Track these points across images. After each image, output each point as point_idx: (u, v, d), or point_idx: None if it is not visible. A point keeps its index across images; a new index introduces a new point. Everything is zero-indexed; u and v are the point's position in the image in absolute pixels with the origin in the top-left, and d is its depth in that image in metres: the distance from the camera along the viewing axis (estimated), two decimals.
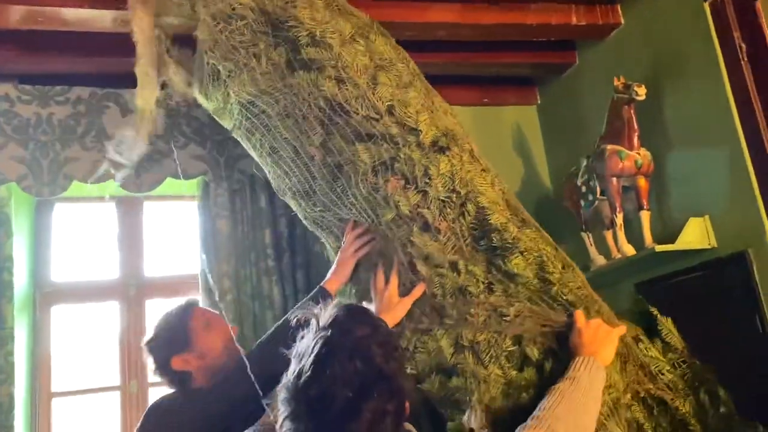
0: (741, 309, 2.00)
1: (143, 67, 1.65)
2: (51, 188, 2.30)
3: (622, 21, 2.51)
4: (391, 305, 1.45)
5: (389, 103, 1.50)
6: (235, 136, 1.82)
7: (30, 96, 2.36)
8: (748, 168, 1.98)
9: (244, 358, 1.51)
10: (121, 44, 1.82)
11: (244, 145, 1.82)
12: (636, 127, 2.25)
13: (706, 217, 2.14)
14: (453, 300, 1.41)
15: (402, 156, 1.47)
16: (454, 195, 1.48)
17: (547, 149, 3.08)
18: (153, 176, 2.38)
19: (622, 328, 1.41)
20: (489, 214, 1.47)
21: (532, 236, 1.52)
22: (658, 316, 1.70)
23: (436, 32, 2.36)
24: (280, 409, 0.99)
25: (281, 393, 0.99)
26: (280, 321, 1.67)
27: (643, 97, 2.18)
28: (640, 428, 1.32)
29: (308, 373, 0.94)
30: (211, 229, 2.43)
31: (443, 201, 1.47)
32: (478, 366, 1.34)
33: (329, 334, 0.98)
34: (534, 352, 1.35)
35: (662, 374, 1.51)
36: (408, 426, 1.03)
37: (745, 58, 1.99)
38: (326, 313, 1.02)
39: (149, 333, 1.69)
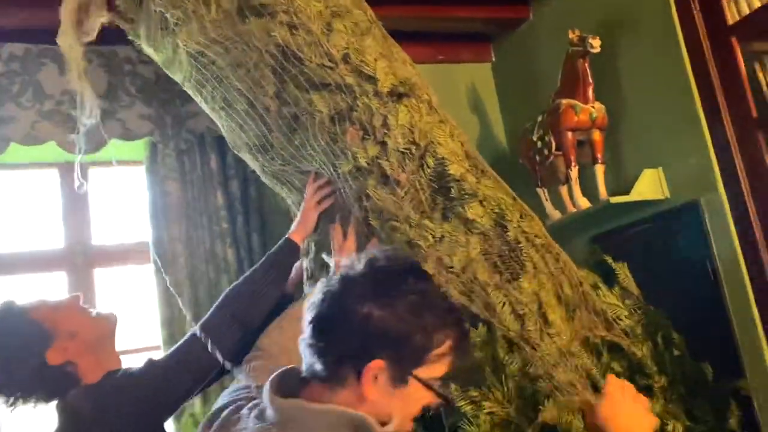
0: (693, 257, 2.04)
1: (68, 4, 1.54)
2: None
3: None
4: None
5: (344, 51, 1.45)
6: (186, 90, 1.74)
7: None
8: (700, 118, 2.00)
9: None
10: None
11: (196, 99, 1.74)
12: (590, 80, 2.25)
13: (660, 168, 2.17)
14: None
15: (360, 105, 1.42)
16: (414, 147, 1.44)
17: (502, 107, 3.07)
18: (96, 137, 2.27)
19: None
20: (448, 165, 1.44)
21: (491, 186, 1.50)
22: (614, 263, 1.71)
23: None
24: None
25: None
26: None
27: (598, 50, 2.17)
28: (589, 374, 1.33)
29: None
30: (160, 192, 2.34)
31: (402, 152, 1.43)
32: None
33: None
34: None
35: (620, 320, 1.53)
36: None
37: (698, 8, 1.99)
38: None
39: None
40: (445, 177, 1.44)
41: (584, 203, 2.31)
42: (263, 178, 1.70)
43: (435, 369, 0.93)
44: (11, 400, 1.33)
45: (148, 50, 1.67)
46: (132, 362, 1.53)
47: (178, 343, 1.53)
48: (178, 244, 2.30)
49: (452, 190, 1.43)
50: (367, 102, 1.41)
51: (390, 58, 1.57)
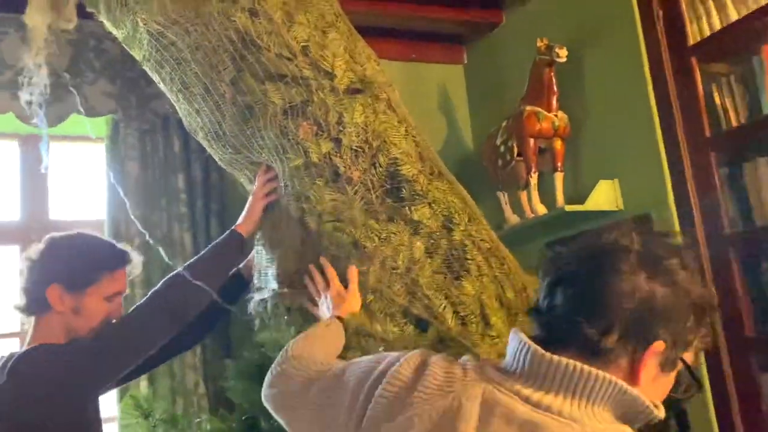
0: None
1: None
2: None
3: None
4: (344, 299, 1.35)
5: (304, 43, 1.44)
6: (146, 69, 1.72)
7: None
8: (657, 134, 2.04)
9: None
10: None
11: (155, 79, 1.73)
12: (555, 89, 2.28)
13: (616, 180, 2.21)
14: (346, 256, 1.39)
15: (316, 100, 1.42)
16: (367, 145, 1.44)
17: (471, 109, 3.10)
18: (57, 111, 2.23)
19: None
20: (400, 165, 1.45)
21: (443, 188, 1.51)
22: None
23: None
24: None
25: None
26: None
27: (564, 59, 2.20)
28: None
29: None
30: (119, 171, 2.32)
31: (356, 150, 1.43)
32: (373, 323, 1.33)
33: None
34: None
35: None
36: None
37: (662, 26, 2.04)
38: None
39: None
40: (396, 177, 1.45)
41: (541, 209, 2.35)
42: (220, 164, 1.69)
43: (691, 354, 0.86)
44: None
45: (109, 26, 1.65)
46: None
47: None
48: (134, 225, 2.28)
49: (403, 191, 1.44)
50: (323, 97, 1.41)
51: (354, 53, 1.57)
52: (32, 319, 1.45)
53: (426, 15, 2.68)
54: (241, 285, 1.67)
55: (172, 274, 1.53)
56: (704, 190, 1.92)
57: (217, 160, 1.70)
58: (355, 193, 1.40)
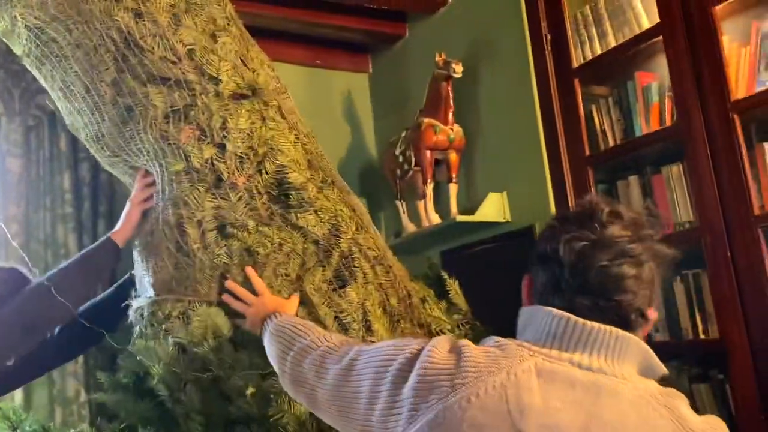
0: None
1: None
2: None
3: None
4: (281, 302, 1.34)
5: (190, 47, 1.41)
6: (26, 65, 1.65)
7: None
8: (542, 150, 2.15)
9: None
10: None
11: (36, 76, 1.65)
12: (452, 103, 2.36)
13: (504, 193, 2.31)
14: (239, 262, 1.38)
15: (199, 104, 1.40)
16: (252, 152, 1.44)
17: (375, 118, 3.14)
18: None
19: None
20: (288, 173, 1.45)
21: (332, 197, 1.53)
22: (447, 279, 1.80)
23: None
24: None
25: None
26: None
27: (459, 75, 2.28)
28: None
29: None
30: (0, 168, 2.19)
31: (240, 157, 1.42)
32: None
33: None
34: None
35: (442, 333, 1.61)
36: None
37: (549, 48, 2.15)
38: None
39: None
40: (284, 184, 1.45)
41: (435, 219, 2.42)
42: (105, 167, 1.64)
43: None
44: None
45: None
46: None
47: None
48: (15, 224, 2.16)
49: (291, 198, 1.45)
50: (207, 102, 1.39)
51: (246, 58, 1.57)
52: None
53: (331, 22, 2.69)
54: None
55: (34, 283, 1.46)
56: None
57: (100, 161, 1.65)
58: (239, 199, 1.39)
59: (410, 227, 2.61)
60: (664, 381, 0.95)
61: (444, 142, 2.37)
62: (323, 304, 1.36)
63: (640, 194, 1.95)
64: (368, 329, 1.42)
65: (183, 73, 1.39)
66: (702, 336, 1.78)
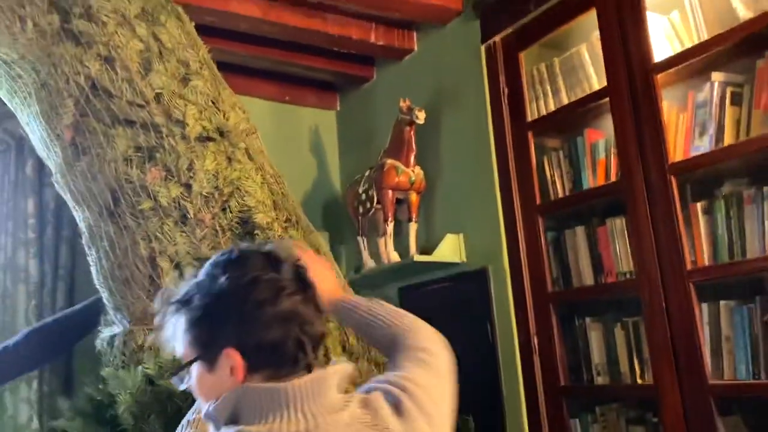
0: (478, 318, 2.28)
1: None
2: None
3: (416, 47, 2.72)
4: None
5: (159, 90, 1.48)
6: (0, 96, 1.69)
7: None
8: (497, 197, 2.26)
9: None
10: None
11: (8, 105, 1.70)
12: (414, 147, 2.46)
13: (461, 235, 2.41)
14: None
15: (166, 146, 1.46)
16: (217, 192, 1.51)
17: (341, 154, 3.23)
18: None
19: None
20: (254, 214, 1.52)
21: (296, 236, 1.60)
22: None
23: (238, 23, 2.37)
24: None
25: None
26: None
27: (422, 121, 2.39)
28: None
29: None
30: None
31: (206, 196, 1.49)
32: None
33: None
34: None
35: None
36: None
37: (506, 101, 2.27)
38: None
39: None
40: (248, 224, 1.52)
41: (395, 257, 2.51)
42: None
43: None
44: None
45: None
46: None
47: None
48: None
49: (256, 238, 1.52)
50: (173, 144, 1.46)
51: (217, 100, 1.64)
52: None
53: (301, 62, 2.78)
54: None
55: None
56: (532, 252, 2.14)
57: None
58: (204, 237, 1.45)
59: (370, 263, 2.68)
60: None
61: (405, 183, 2.47)
62: None
63: (586, 244, 2.06)
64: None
65: (150, 116, 1.46)
66: (639, 381, 1.89)
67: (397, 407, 0.94)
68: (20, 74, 1.46)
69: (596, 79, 2.07)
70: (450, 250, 2.39)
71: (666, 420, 1.74)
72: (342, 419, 0.89)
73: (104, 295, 1.53)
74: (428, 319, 2.37)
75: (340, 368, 0.95)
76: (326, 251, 1.74)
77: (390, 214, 2.50)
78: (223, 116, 1.64)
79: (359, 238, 2.73)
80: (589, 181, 2.06)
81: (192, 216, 1.46)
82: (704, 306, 1.71)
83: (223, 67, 2.67)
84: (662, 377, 1.74)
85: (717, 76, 1.73)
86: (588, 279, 2.04)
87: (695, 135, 1.77)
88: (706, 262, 1.73)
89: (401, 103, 2.44)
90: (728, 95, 1.71)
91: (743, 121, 1.69)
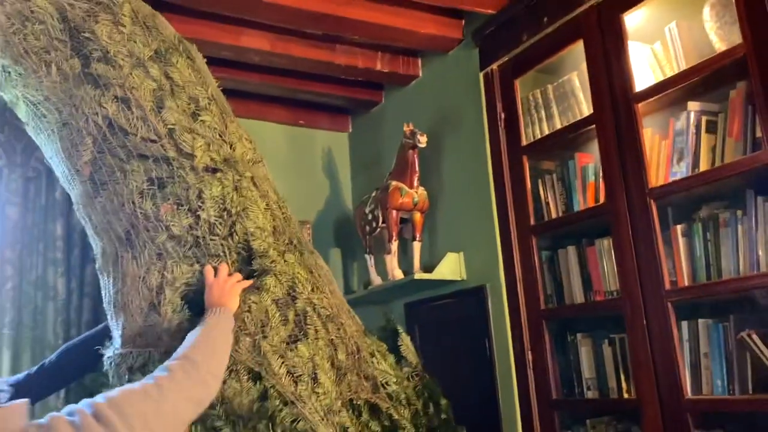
0: (476, 334, 2.39)
1: None
2: None
3: (421, 73, 2.85)
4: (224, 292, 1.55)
5: (171, 126, 1.62)
6: (28, 131, 1.86)
7: None
8: (493, 215, 2.37)
9: None
10: None
11: (35, 141, 1.87)
12: (417, 169, 2.59)
13: (461, 253, 2.52)
14: None
15: (177, 178, 1.61)
16: (226, 213, 1.64)
17: (353, 175, 3.37)
18: None
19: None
20: (253, 240, 1.66)
21: (292, 261, 1.73)
22: (401, 334, 1.99)
23: (251, 57, 2.53)
24: None
25: None
26: None
27: (424, 145, 2.51)
28: (345, 431, 1.58)
29: None
30: (0, 215, 2.39)
31: (213, 223, 1.63)
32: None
33: None
34: None
35: (387, 385, 1.80)
36: None
37: (503, 125, 2.39)
38: None
39: None
40: (250, 250, 1.66)
41: (399, 275, 2.63)
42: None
43: None
44: None
45: None
46: None
47: None
48: (9, 266, 2.35)
49: (255, 264, 1.65)
50: (183, 175, 1.60)
51: (224, 133, 1.78)
52: None
53: (313, 89, 2.94)
54: None
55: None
56: (527, 270, 2.24)
57: None
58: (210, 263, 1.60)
59: (377, 280, 2.81)
60: None
61: (409, 203, 2.59)
62: (278, 360, 1.55)
63: (576, 263, 2.16)
64: (315, 381, 1.60)
65: (164, 150, 1.60)
66: (625, 395, 1.97)
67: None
68: (44, 114, 1.62)
69: (586, 105, 2.17)
70: (450, 268, 2.50)
71: None
72: None
73: (111, 320, 1.68)
74: (432, 332, 2.51)
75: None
76: (324, 273, 1.85)
77: (394, 234, 2.63)
78: (230, 147, 1.78)
79: (367, 256, 2.86)
80: (580, 203, 2.15)
81: (202, 242, 1.60)
82: (684, 324, 1.79)
83: (239, 94, 2.86)
84: (644, 392, 1.83)
85: (693, 105, 1.82)
86: (579, 297, 2.13)
87: (674, 161, 1.86)
88: (686, 282, 1.81)
89: (405, 128, 2.57)
90: (704, 123, 1.79)
91: (718, 148, 1.77)
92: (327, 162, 3.36)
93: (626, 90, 1.94)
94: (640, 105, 1.92)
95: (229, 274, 1.61)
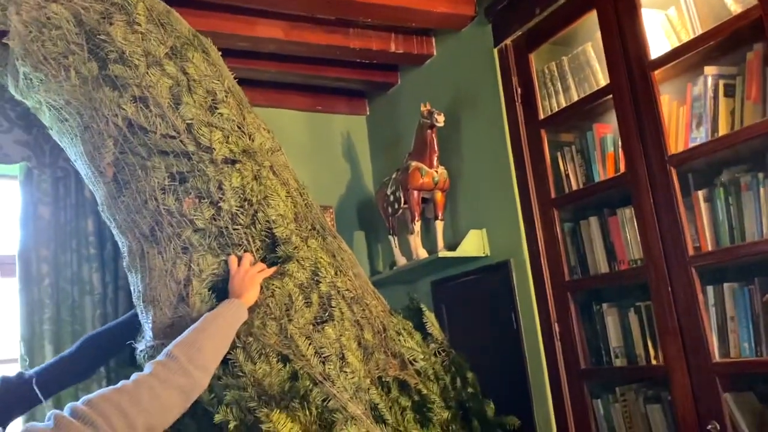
0: (503, 309, 2.41)
1: None
2: None
3: (435, 52, 2.85)
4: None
5: (189, 121, 1.66)
6: (52, 135, 1.92)
7: None
8: (515, 193, 2.38)
9: None
10: None
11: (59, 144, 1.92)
12: (436, 148, 2.60)
13: (484, 230, 2.54)
14: None
15: (197, 171, 1.64)
16: (247, 203, 1.68)
17: (372, 158, 3.39)
18: None
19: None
20: (275, 228, 1.70)
21: (314, 246, 1.76)
22: (425, 311, 2.02)
23: (266, 46, 2.56)
24: None
25: None
26: None
27: (442, 124, 2.52)
28: (376, 408, 1.62)
29: None
30: (32, 214, 2.47)
31: (235, 213, 1.67)
32: (247, 363, 1.57)
33: None
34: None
35: (415, 362, 1.84)
36: None
37: (520, 100, 2.38)
38: None
39: None
40: (273, 237, 1.70)
41: (423, 254, 2.65)
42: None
43: None
44: None
45: (18, 96, 1.84)
46: None
47: None
48: (45, 264, 2.43)
49: (278, 251, 1.69)
50: (203, 168, 1.64)
51: (243, 124, 1.82)
52: None
53: (329, 74, 2.95)
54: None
55: None
56: (550, 243, 2.26)
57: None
58: (234, 250, 1.64)
59: (401, 260, 2.84)
60: None
61: (429, 183, 2.61)
62: (305, 341, 1.60)
63: (599, 233, 2.16)
64: (343, 360, 1.64)
65: (183, 145, 1.64)
66: (653, 362, 1.98)
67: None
68: (66, 118, 1.67)
69: (602, 76, 2.16)
70: (473, 245, 2.52)
71: (676, 397, 1.83)
72: None
73: (142, 314, 1.73)
74: (458, 309, 2.53)
75: None
76: (347, 257, 1.88)
77: (417, 214, 2.65)
78: (249, 138, 1.81)
79: (390, 237, 2.89)
80: (600, 174, 2.15)
81: (225, 233, 1.64)
82: (709, 289, 1.80)
83: (256, 83, 2.89)
84: (671, 358, 1.84)
85: (710, 70, 1.80)
86: (603, 267, 2.14)
87: (693, 126, 1.85)
88: (710, 247, 1.81)
89: (422, 108, 2.58)
90: (721, 88, 1.78)
91: (737, 112, 1.76)
92: (346, 146, 3.38)
93: (642, 58, 1.93)
94: (656, 72, 1.90)
95: (254, 263, 1.66)
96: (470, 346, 2.25)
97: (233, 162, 1.70)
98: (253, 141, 1.83)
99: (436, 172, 2.62)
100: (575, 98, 2.24)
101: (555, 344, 2.21)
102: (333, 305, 1.69)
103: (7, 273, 2.60)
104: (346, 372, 1.62)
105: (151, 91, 1.64)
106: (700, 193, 1.84)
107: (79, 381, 1.95)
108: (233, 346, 1.56)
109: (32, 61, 1.65)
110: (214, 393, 1.58)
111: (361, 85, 3.18)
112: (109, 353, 1.89)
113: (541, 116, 2.31)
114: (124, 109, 1.62)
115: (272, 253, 1.72)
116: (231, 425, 1.52)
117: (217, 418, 1.53)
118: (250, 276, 1.62)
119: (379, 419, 1.65)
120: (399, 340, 1.85)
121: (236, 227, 1.68)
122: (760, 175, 1.70)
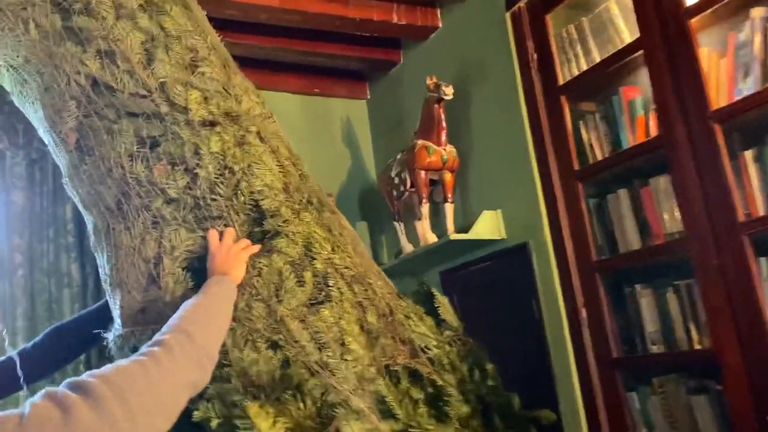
0: (522, 296, 2.19)
1: None
2: None
3: (440, 24, 2.65)
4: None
5: (163, 79, 1.44)
6: (15, 102, 1.71)
7: None
8: (533, 168, 2.16)
9: None
10: None
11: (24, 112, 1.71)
12: (444, 125, 2.39)
13: (499, 211, 2.32)
14: None
15: (170, 135, 1.43)
16: (228, 171, 1.46)
17: (374, 142, 3.19)
18: None
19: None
20: (261, 199, 1.48)
21: (308, 220, 1.54)
22: (437, 296, 1.80)
23: (258, 14, 2.36)
24: None
25: None
26: None
27: (450, 96, 2.31)
28: (383, 401, 1.40)
29: None
30: (4, 200, 2.27)
31: (214, 181, 1.45)
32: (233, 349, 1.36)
33: None
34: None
35: (427, 349, 1.61)
36: None
37: (536, 67, 2.18)
38: None
39: None
40: (260, 209, 1.48)
41: (432, 238, 2.44)
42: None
43: None
44: None
45: None
46: None
47: None
48: (18, 254, 2.22)
49: (265, 224, 1.47)
50: (177, 131, 1.42)
51: (228, 86, 1.61)
52: None
53: (325, 51, 2.75)
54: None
55: None
56: (574, 220, 2.04)
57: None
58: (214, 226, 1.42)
59: (408, 248, 2.62)
60: None
61: (437, 162, 2.39)
62: (299, 325, 1.38)
63: (630, 207, 1.94)
64: (343, 346, 1.42)
65: (156, 106, 1.43)
66: (697, 347, 1.76)
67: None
68: (26, 79, 1.47)
69: (628, 33, 1.95)
70: (487, 227, 2.30)
71: (729, 386, 1.60)
72: None
73: (109, 299, 1.51)
74: (472, 300, 2.31)
75: None
76: (346, 233, 1.66)
77: (424, 196, 2.44)
78: (236, 100, 1.60)
79: (396, 223, 2.68)
80: (629, 141, 1.94)
81: (203, 204, 1.42)
82: (762, 260, 1.58)
83: (250, 62, 2.67)
84: (722, 341, 1.61)
85: (757, 12, 1.59)
86: (635, 244, 1.92)
87: (738, 78, 1.63)
88: (762, 213, 1.59)
89: (428, 81, 2.38)
90: None
91: None
92: (346, 131, 3.18)
93: (676, 5, 1.72)
94: (693, 20, 1.69)
95: (236, 240, 1.44)
96: (486, 338, 2.01)
97: (212, 124, 1.48)
98: (240, 104, 1.62)
99: (445, 150, 2.41)
100: (597, 61, 2.03)
101: (582, 332, 1.99)
102: (330, 284, 1.46)
103: None
104: (348, 360, 1.39)
105: (119, 45, 1.43)
106: (748, 153, 1.62)
107: (40, 379, 1.72)
108: None
109: None
110: None
111: (360, 65, 2.98)
112: (78, 346, 1.66)
113: (560, 82, 2.10)
114: (87, 65, 1.40)
115: (259, 227, 1.50)
116: (213, 423, 1.29)
117: (197, 415, 1.31)
118: (233, 253, 1.39)
119: (388, 414, 1.43)
120: (409, 324, 1.62)
121: (215, 197, 1.46)
122: None
